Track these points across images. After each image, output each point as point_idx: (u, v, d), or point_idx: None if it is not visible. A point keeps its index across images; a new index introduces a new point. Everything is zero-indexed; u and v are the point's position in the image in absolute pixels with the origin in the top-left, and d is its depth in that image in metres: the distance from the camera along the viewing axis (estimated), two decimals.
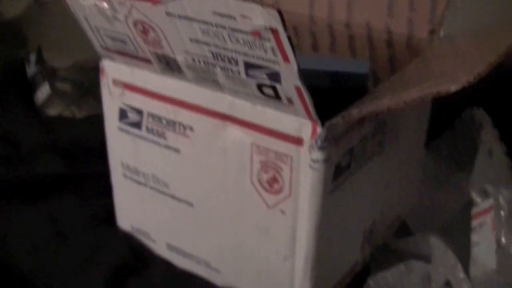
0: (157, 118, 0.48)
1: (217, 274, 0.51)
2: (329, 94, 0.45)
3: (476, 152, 0.48)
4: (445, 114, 0.54)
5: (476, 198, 0.46)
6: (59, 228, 0.56)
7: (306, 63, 0.46)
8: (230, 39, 0.38)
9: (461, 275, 0.42)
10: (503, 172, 0.48)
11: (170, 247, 0.53)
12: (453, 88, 0.35)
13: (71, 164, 0.63)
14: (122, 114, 0.50)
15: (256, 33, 0.36)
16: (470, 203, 0.49)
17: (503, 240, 0.42)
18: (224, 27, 0.37)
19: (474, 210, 0.46)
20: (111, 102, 0.50)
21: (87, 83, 0.77)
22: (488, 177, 0.47)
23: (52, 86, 0.74)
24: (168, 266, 0.53)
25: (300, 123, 0.41)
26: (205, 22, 0.38)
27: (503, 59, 0.39)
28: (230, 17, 0.36)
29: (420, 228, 0.53)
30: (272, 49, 0.36)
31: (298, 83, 0.37)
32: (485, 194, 0.46)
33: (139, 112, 0.49)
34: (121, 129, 0.51)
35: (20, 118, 0.71)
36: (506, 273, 0.41)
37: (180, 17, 0.39)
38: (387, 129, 0.48)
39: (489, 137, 0.49)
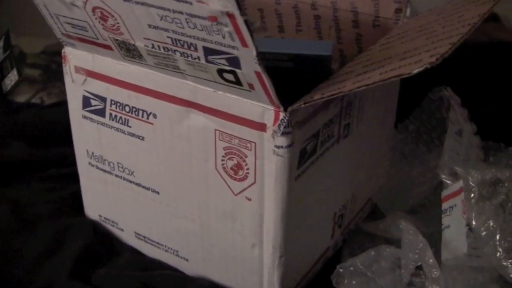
0: (120, 105, 0.47)
1: (186, 263, 0.51)
2: (293, 77, 0.44)
3: (445, 132, 0.48)
4: (413, 92, 0.53)
5: (446, 180, 0.46)
6: (25, 215, 0.55)
7: (269, 46, 0.45)
8: (188, 24, 0.37)
9: (431, 260, 0.42)
10: (473, 153, 0.47)
11: (139, 236, 0.53)
12: (415, 70, 0.34)
13: (37, 151, 0.62)
14: (86, 102, 0.49)
15: (213, 18, 0.35)
16: (441, 184, 0.49)
17: (473, 223, 0.42)
18: (181, 13, 0.36)
19: (444, 193, 0.46)
20: (74, 89, 0.49)
21: (57, 68, 0.76)
22: (458, 158, 0.46)
23: (20, 73, 0.73)
24: (135, 254, 0.53)
25: (263, 109, 0.40)
26: (162, 8, 0.37)
27: (467, 38, 0.39)
28: (187, 2, 0.35)
29: (392, 210, 0.53)
30: (230, 34, 0.35)
31: (258, 68, 0.36)
32: (455, 176, 0.45)
33: (102, 99, 0.48)
34: (85, 117, 0.50)
35: None
36: (477, 257, 0.41)
37: (137, 3, 0.38)
38: (353, 111, 0.48)
39: (458, 117, 0.48)
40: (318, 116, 0.43)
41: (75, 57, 0.48)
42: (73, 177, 0.55)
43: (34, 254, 0.51)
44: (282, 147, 0.40)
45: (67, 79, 0.49)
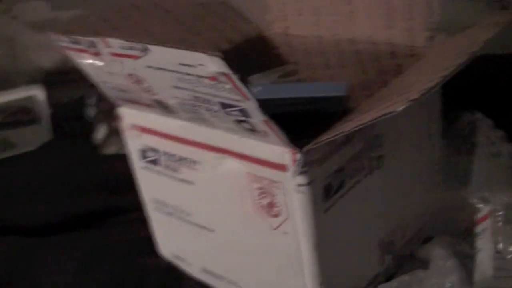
0: (170, 155, 0.52)
1: None
2: (309, 119, 0.47)
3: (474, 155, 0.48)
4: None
5: (477, 203, 0.46)
6: (101, 255, 0.61)
7: (284, 92, 0.49)
8: (200, 83, 0.41)
9: (456, 284, 0.42)
10: (508, 175, 0.47)
11: (205, 271, 0.57)
12: (399, 109, 0.36)
13: (117, 198, 0.69)
14: (143, 154, 0.55)
15: (214, 78, 0.39)
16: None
17: (500, 246, 0.42)
18: (191, 74, 0.41)
19: (478, 216, 0.46)
20: (132, 144, 0.55)
21: None
22: (489, 181, 0.47)
23: (109, 127, 0.81)
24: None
25: (281, 151, 0.43)
26: (176, 72, 0.41)
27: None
28: (191, 65, 0.39)
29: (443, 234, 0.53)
30: (232, 90, 0.39)
31: (264, 117, 0.40)
32: (485, 200, 0.46)
33: (155, 151, 0.53)
34: (144, 167, 0.55)
35: (77, 157, 0.79)
36: (502, 279, 0.41)
37: (158, 68, 0.43)
38: (384, 142, 0.49)
39: (494, 139, 0.48)
40: (340, 152, 0.45)
41: (128, 115, 0.54)
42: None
43: None
44: (303, 185, 0.43)
45: (125, 136, 0.55)
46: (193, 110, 0.46)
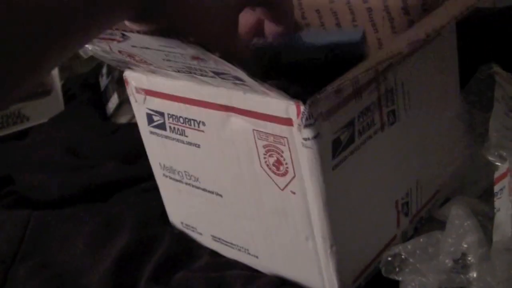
0: (176, 117, 0.51)
1: (257, 260, 0.53)
2: (326, 67, 0.45)
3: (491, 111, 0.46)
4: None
5: (494, 161, 0.44)
6: (116, 227, 0.60)
7: (299, 40, 0.47)
8: (185, 59, 0.40)
9: (472, 244, 0.40)
10: None
11: (215, 238, 0.56)
12: (404, 50, 0.34)
13: (129, 168, 0.68)
14: (149, 118, 0.53)
15: (196, 58, 0.38)
16: None
17: None
18: (175, 53, 0.40)
19: (496, 174, 0.44)
20: (138, 108, 0.54)
21: None
22: (506, 139, 0.44)
23: (120, 96, 0.80)
24: (214, 256, 0.56)
25: (286, 104, 0.41)
26: (160, 51, 0.40)
27: None
28: (173, 47, 0.39)
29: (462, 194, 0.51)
30: (218, 64, 0.38)
31: (260, 82, 0.39)
32: (503, 157, 0.43)
33: (161, 114, 0.52)
34: (152, 132, 0.54)
35: (90, 127, 0.78)
36: None
37: (143, 47, 0.42)
38: (396, 97, 0.47)
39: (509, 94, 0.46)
40: (349, 105, 0.43)
41: (133, 79, 0.52)
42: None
43: (117, 260, 0.56)
44: (309, 139, 0.42)
45: (131, 100, 0.54)
46: (191, 75, 0.44)
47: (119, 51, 0.45)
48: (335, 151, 0.43)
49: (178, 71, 0.44)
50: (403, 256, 0.45)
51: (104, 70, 0.85)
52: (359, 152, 0.45)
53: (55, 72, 0.85)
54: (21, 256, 0.62)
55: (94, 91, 0.88)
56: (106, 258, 0.58)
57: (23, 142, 0.81)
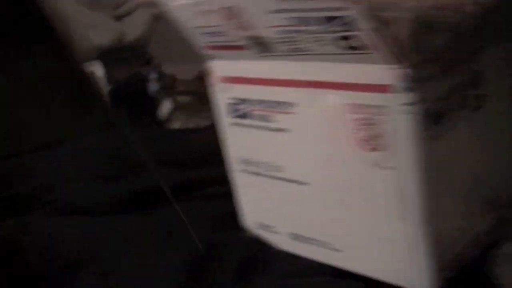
0: (262, 103, 0.50)
1: (339, 255, 0.51)
2: None
3: None
4: None
5: None
6: (176, 236, 0.59)
7: None
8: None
9: None
10: None
11: (294, 237, 0.54)
12: None
13: (188, 173, 0.67)
14: (231, 108, 0.53)
15: None
16: None
17: None
18: None
19: None
20: (221, 99, 0.54)
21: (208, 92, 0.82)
22: None
23: (173, 101, 0.80)
24: (290, 259, 0.54)
25: (385, 69, 0.41)
26: None
27: None
28: None
29: None
30: None
31: (372, 24, 0.38)
32: None
33: (245, 101, 0.52)
34: (233, 124, 0.54)
35: (141, 133, 0.77)
36: None
37: None
38: (484, 81, 0.47)
39: None
40: (439, 82, 0.43)
41: (217, 68, 0.53)
42: (226, 196, 0.59)
43: (185, 268, 0.55)
44: (411, 104, 0.41)
45: (214, 91, 0.54)
46: (290, 39, 0.44)
47: (222, 8, 0.45)
48: (436, 121, 0.43)
49: (280, 33, 0.44)
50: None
51: (154, 76, 0.86)
52: (454, 130, 0.44)
53: (102, 76, 0.86)
54: (82, 264, 0.60)
55: (141, 97, 0.87)
56: (172, 266, 0.56)
57: (71, 149, 0.80)
